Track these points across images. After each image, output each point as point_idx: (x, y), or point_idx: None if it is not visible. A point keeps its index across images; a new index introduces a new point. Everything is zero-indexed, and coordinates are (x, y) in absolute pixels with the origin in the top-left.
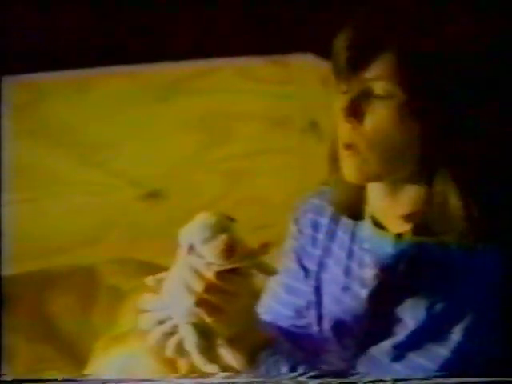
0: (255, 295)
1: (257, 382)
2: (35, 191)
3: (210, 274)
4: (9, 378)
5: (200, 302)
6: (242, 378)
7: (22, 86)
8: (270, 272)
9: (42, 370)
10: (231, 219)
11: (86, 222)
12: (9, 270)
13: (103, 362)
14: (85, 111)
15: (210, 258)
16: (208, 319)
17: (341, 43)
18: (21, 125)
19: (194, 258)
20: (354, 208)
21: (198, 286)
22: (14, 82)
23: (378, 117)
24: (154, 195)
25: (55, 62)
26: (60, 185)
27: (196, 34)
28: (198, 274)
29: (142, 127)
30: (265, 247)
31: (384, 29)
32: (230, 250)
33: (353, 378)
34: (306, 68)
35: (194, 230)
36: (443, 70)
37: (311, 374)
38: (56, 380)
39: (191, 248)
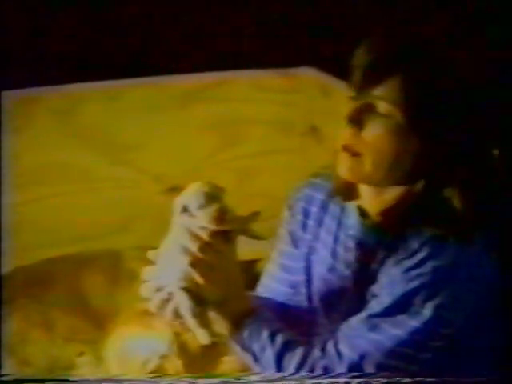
0: (239, 264)
1: (259, 381)
2: (72, 186)
3: (204, 234)
4: (9, 378)
5: (194, 262)
6: (243, 379)
7: (62, 94)
8: (256, 237)
9: (75, 339)
10: (221, 188)
11: (115, 213)
12: (49, 253)
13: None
14: (115, 117)
15: (203, 223)
16: (200, 280)
17: (361, 60)
18: (61, 128)
19: (189, 220)
20: (347, 190)
21: (193, 246)
22: (55, 91)
23: (377, 130)
24: (174, 190)
25: (91, 73)
26: (93, 180)
27: (213, 49)
28: (192, 234)
29: (165, 131)
30: (255, 214)
31: (394, 55)
32: (222, 217)
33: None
34: (308, 80)
35: (189, 196)
36: (444, 97)
37: (311, 373)
38: (56, 380)
39: (185, 209)
